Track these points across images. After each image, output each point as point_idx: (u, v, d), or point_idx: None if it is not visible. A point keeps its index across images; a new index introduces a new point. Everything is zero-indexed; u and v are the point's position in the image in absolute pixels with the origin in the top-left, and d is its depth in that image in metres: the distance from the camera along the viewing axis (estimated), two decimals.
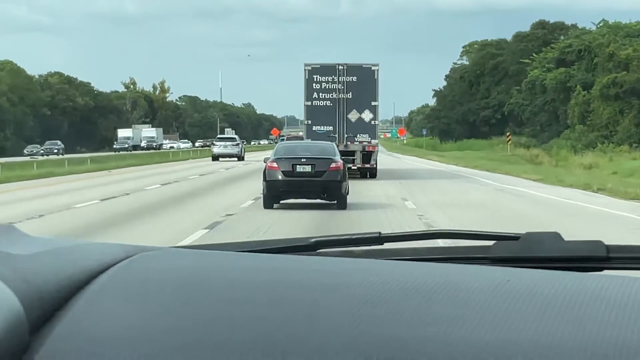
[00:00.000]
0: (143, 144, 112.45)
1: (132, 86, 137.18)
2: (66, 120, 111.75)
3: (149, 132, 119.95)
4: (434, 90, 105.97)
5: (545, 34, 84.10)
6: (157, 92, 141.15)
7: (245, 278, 1.05)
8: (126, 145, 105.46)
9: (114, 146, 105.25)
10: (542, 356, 0.82)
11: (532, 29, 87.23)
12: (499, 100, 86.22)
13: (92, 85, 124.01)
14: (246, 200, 22.59)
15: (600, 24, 76.51)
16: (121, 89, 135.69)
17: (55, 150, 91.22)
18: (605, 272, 1.39)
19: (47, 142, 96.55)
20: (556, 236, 1.46)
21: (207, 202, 22.96)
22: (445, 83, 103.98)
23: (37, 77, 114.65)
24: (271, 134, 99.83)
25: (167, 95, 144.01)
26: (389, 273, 1.09)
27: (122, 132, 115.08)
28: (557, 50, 76.09)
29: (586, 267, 1.39)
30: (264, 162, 20.40)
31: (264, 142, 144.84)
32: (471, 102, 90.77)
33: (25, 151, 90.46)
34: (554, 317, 0.91)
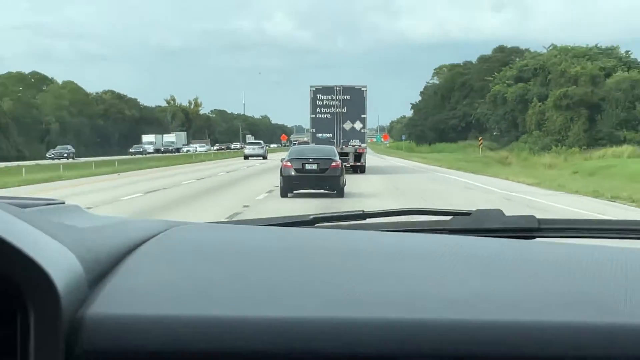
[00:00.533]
0: (162, 148, 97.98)
1: (172, 102, 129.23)
2: (117, 129, 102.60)
3: (168, 137, 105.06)
4: (412, 103, 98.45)
5: (504, 56, 76.87)
6: (192, 107, 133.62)
7: (258, 244, 1.03)
8: (141, 150, 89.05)
9: (130, 150, 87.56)
10: (486, 307, 0.78)
11: (493, 52, 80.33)
12: (463, 111, 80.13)
13: (138, 100, 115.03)
14: (222, 216, 13.66)
15: (550, 47, 69.84)
16: (163, 104, 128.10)
17: (65, 155, 72.62)
18: (537, 239, 1.33)
19: (58, 147, 76.45)
20: (499, 212, 1.41)
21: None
22: (420, 98, 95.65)
23: (94, 94, 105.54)
24: (281, 139, 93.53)
25: (200, 109, 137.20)
26: (370, 241, 1.08)
27: (146, 138, 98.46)
28: (515, 69, 69.20)
29: (522, 235, 1.33)
30: (281, 161, 19.15)
31: (273, 145, 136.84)
32: (441, 113, 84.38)
33: (47, 155, 73.95)
34: (494, 274, 0.90)
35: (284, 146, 73.02)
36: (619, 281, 0.82)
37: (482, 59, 80.00)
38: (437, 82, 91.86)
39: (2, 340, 0.68)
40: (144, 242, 0.95)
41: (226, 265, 0.90)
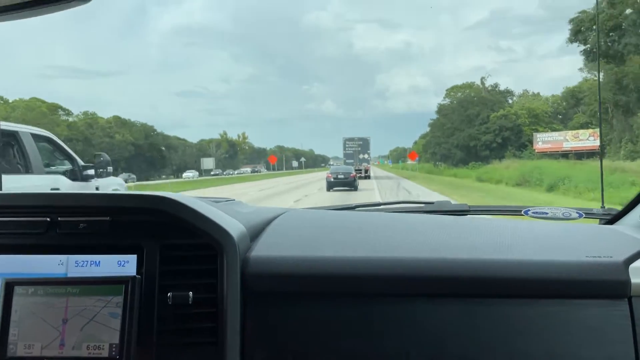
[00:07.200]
0: None
1: (224, 135, 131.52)
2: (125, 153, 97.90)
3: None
4: (431, 119, 69.95)
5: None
6: (240, 139, 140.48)
7: (331, 218, 1.63)
8: None
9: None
10: (446, 251, 1.32)
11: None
12: (499, 124, 53.91)
13: (156, 129, 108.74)
14: None
15: None
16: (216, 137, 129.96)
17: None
18: (467, 216, 1.95)
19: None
20: (448, 202, 2.10)
21: None
22: (436, 116, 66.79)
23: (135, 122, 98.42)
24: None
25: (246, 141, 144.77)
26: (383, 216, 1.70)
27: None
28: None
29: (459, 212, 1.99)
30: (327, 174, 30.79)
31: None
32: (470, 128, 57.11)
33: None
34: (449, 233, 1.45)
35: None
36: (503, 237, 1.41)
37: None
38: (449, 101, 64.38)
39: (212, 270, 1.22)
40: (275, 218, 1.55)
41: (317, 229, 1.48)
